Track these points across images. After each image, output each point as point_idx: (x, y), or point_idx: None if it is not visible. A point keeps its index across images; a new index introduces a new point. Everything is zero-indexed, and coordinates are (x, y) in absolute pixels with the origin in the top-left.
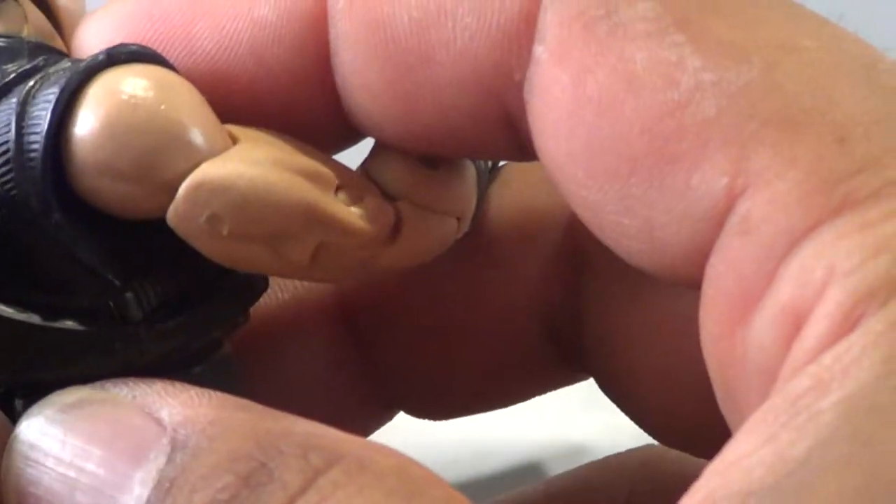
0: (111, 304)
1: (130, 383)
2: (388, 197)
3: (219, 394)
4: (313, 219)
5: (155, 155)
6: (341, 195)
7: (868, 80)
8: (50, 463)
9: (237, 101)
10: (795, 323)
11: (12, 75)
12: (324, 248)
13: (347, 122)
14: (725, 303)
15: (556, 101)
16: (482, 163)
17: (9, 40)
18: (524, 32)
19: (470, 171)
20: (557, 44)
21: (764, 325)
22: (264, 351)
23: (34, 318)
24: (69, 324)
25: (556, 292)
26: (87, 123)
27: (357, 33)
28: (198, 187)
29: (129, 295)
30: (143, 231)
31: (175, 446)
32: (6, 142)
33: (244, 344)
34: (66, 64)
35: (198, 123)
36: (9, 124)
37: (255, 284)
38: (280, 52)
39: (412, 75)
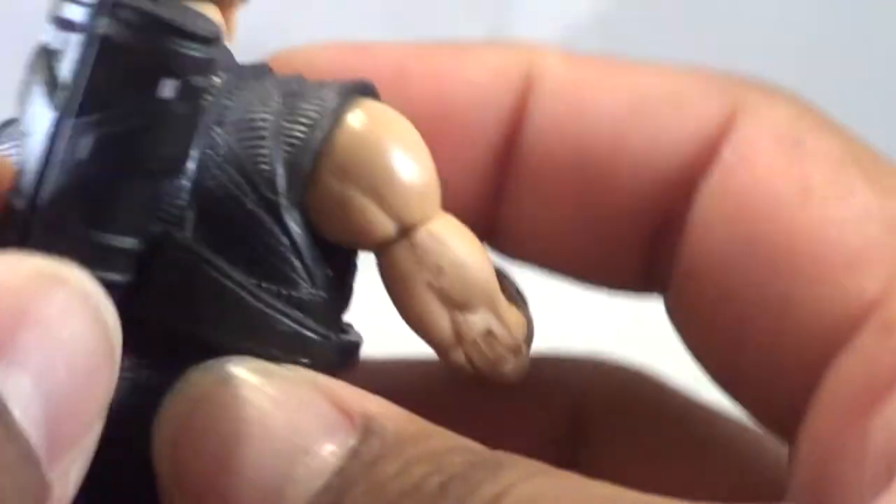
0: (316, 303)
1: (312, 371)
2: None
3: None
4: (494, 305)
5: (412, 190)
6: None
7: None
8: (223, 411)
9: None
10: None
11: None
12: (487, 336)
13: (494, 221)
14: (852, 395)
15: (734, 198)
16: None
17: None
18: (717, 139)
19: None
20: (749, 150)
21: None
22: None
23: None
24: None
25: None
26: (363, 133)
27: (554, 137)
28: (440, 239)
29: (329, 298)
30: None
31: (368, 432)
32: (263, 119)
33: None
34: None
35: (437, 177)
36: (276, 105)
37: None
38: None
39: (597, 177)
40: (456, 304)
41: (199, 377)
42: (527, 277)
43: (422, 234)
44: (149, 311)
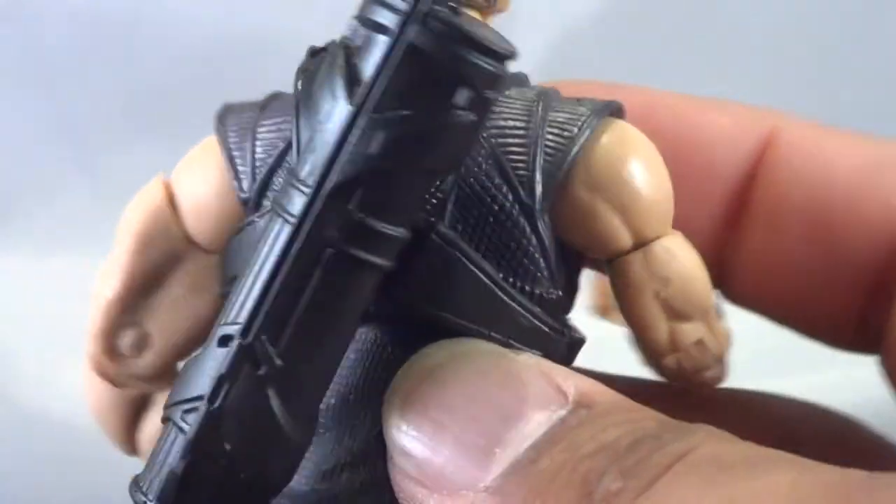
0: (553, 301)
1: (530, 353)
2: None
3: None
4: (708, 317)
5: (654, 208)
6: None
7: None
8: (452, 379)
9: None
10: None
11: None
12: (698, 344)
13: (724, 267)
14: None
15: None
16: None
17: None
18: None
19: None
20: None
21: None
22: None
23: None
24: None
25: None
26: (616, 150)
27: (791, 185)
28: (671, 254)
29: (563, 297)
30: None
31: (579, 405)
32: (524, 127)
33: None
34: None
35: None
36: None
37: None
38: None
39: (827, 228)
40: (676, 313)
41: (434, 351)
42: None
43: (655, 248)
44: (402, 294)
